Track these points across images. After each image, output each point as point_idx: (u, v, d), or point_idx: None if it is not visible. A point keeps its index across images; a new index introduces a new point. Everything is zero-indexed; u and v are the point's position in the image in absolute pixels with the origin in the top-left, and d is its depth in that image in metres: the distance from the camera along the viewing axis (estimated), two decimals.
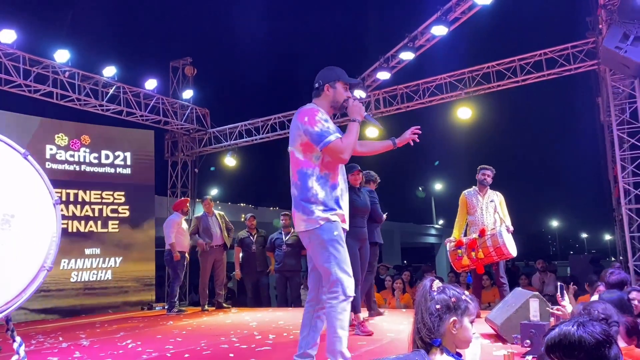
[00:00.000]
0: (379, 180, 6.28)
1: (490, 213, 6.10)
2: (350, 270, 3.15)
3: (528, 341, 3.69)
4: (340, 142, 3.16)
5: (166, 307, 8.10)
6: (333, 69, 3.43)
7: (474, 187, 6.26)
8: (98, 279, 8.92)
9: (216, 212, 8.37)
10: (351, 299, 3.13)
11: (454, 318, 1.98)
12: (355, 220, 5.15)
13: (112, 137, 9.52)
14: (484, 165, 6.27)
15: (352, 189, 5.25)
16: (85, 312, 8.59)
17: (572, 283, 6.25)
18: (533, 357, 3.59)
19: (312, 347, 3.28)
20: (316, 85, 3.40)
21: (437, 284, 2.07)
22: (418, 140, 3.47)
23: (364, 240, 5.32)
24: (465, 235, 6.19)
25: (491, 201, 6.16)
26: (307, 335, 3.28)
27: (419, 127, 3.44)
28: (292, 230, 8.09)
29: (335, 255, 3.11)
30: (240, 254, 8.55)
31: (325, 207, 3.15)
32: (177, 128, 11.02)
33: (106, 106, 9.39)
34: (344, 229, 3.25)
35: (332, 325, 3.08)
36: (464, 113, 9.08)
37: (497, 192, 6.26)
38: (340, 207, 3.22)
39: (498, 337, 4.42)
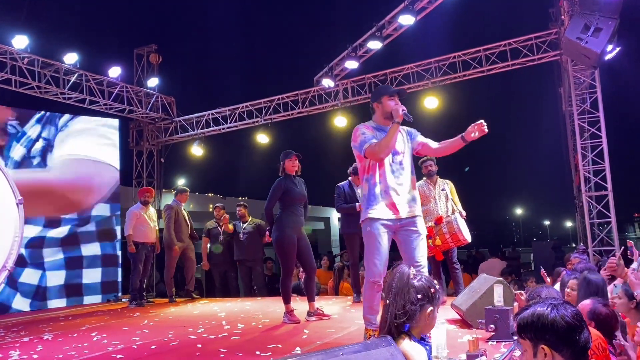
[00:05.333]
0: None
1: (443, 201, 6.34)
2: (377, 259, 3.68)
3: (492, 326, 3.77)
4: (374, 145, 3.71)
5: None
6: (378, 89, 4.19)
7: (423, 179, 6.46)
8: None
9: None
10: (373, 280, 3.71)
11: (431, 308, 2.08)
12: (292, 208, 5.22)
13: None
14: (422, 158, 6.46)
15: (288, 177, 5.26)
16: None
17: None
18: (497, 341, 3.68)
19: None
20: (370, 106, 4.05)
21: (412, 271, 2.15)
22: (486, 132, 3.69)
23: (300, 229, 5.33)
24: None
25: (442, 190, 6.38)
26: None
27: (482, 121, 3.66)
28: (249, 219, 8.08)
29: (367, 247, 3.76)
30: (208, 245, 8.48)
31: (368, 204, 3.75)
32: (142, 117, 10.80)
33: (68, 94, 9.13)
34: (397, 219, 3.73)
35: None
36: (431, 102, 9.16)
37: (447, 180, 6.48)
38: (376, 202, 3.73)
39: (464, 323, 4.51)
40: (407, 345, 2.01)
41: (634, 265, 4.30)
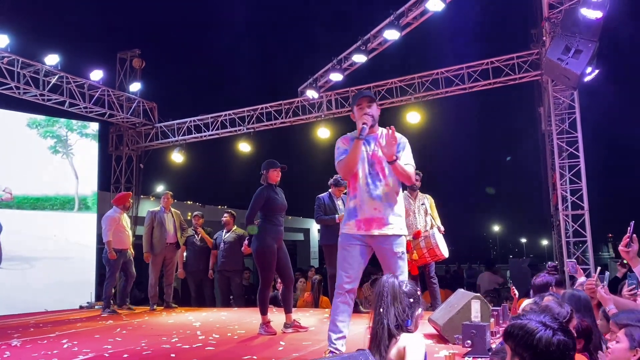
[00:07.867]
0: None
1: (422, 216, 6.33)
2: (342, 269, 3.58)
3: (469, 341, 3.77)
4: (341, 162, 3.58)
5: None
6: (352, 97, 3.73)
7: (404, 191, 6.44)
8: None
9: (172, 209, 8.16)
10: (342, 291, 3.57)
11: (420, 309, 2.33)
12: (274, 218, 5.19)
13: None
14: None
15: (270, 187, 5.23)
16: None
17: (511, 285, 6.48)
18: (474, 357, 3.67)
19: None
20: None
21: (397, 280, 2.36)
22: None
23: (280, 239, 5.29)
24: None
25: (422, 204, 6.37)
26: (349, 321, 3.63)
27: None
28: (233, 228, 7.99)
29: (338, 258, 3.65)
30: (185, 253, 8.36)
31: (345, 219, 3.66)
32: (123, 121, 10.69)
33: (48, 96, 8.99)
34: (370, 235, 3.54)
35: None
36: (413, 117, 9.23)
37: (427, 195, 6.49)
38: (350, 218, 3.59)
39: (440, 338, 4.50)
40: (407, 336, 2.19)
41: (581, 279, 4.43)
